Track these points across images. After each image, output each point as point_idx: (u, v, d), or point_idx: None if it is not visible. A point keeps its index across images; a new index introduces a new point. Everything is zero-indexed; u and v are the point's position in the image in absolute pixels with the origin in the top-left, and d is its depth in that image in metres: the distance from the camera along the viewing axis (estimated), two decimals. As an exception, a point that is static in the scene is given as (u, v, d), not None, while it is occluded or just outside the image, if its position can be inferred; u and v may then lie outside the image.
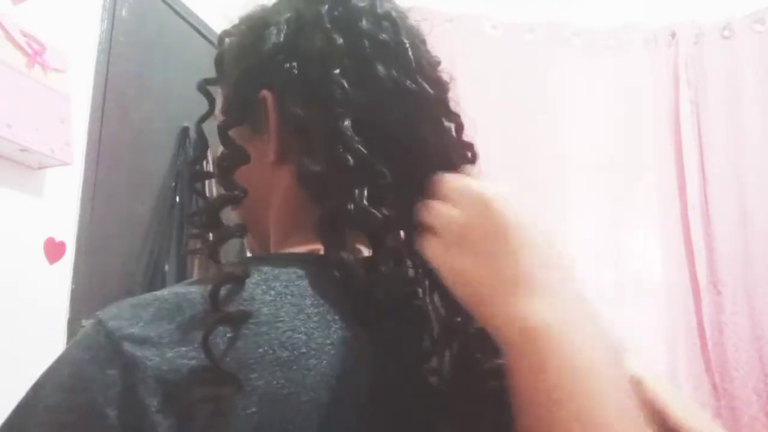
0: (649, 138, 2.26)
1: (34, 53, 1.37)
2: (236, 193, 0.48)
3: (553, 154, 2.27)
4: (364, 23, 0.51)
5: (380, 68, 0.49)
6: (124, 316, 0.40)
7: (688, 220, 2.15)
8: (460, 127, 0.54)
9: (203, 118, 0.54)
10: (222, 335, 0.40)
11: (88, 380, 0.38)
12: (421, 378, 0.43)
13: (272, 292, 0.43)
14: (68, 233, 1.52)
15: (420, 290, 0.46)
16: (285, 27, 0.51)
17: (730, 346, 2.04)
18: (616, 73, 2.33)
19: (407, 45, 0.51)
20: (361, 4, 0.52)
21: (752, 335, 2.03)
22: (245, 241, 0.59)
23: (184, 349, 0.39)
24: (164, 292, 0.43)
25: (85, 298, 1.54)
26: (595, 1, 2.39)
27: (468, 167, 0.49)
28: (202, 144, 0.56)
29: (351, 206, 0.45)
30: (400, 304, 0.44)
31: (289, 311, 0.42)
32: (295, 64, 0.50)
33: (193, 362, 0.39)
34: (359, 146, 0.46)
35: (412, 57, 0.51)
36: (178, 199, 1.87)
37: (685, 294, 2.13)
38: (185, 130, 1.91)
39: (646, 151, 2.26)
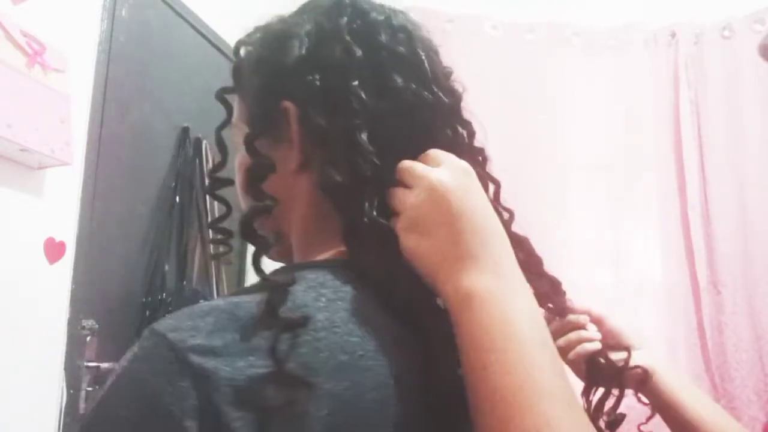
0: (649, 138, 2.26)
1: (34, 53, 1.37)
2: (267, 203, 0.50)
3: (553, 154, 2.27)
4: (382, 36, 0.53)
5: (398, 79, 0.52)
6: (183, 327, 0.41)
7: (688, 220, 2.15)
8: (471, 134, 0.57)
9: (222, 126, 0.56)
10: (285, 342, 0.41)
11: (158, 393, 0.38)
12: (449, 370, 0.45)
13: (323, 299, 0.45)
14: (68, 233, 1.52)
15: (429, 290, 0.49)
16: (306, 39, 0.53)
17: (730, 346, 2.04)
18: (616, 73, 2.33)
19: (423, 57, 0.54)
20: (379, 18, 0.54)
21: (752, 335, 2.04)
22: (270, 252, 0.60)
23: (251, 358, 0.40)
24: (219, 302, 0.43)
25: (85, 298, 1.54)
26: (595, 1, 2.40)
27: (431, 152, 0.51)
28: (223, 151, 0.57)
29: (365, 218, 0.48)
30: (430, 306, 0.47)
31: (342, 317, 0.44)
32: (317, 75, 0.51)
33: (263, 370, 0.40)
34: (374, 158, 0.49)
35: (428, 68, 0.54)
36: (178, 199, 1.87)
37: (685, 294, 2.13)
38: (185, 130, 1.92)
39: (646, 151, 2.26)
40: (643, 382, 0.74)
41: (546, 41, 2.37)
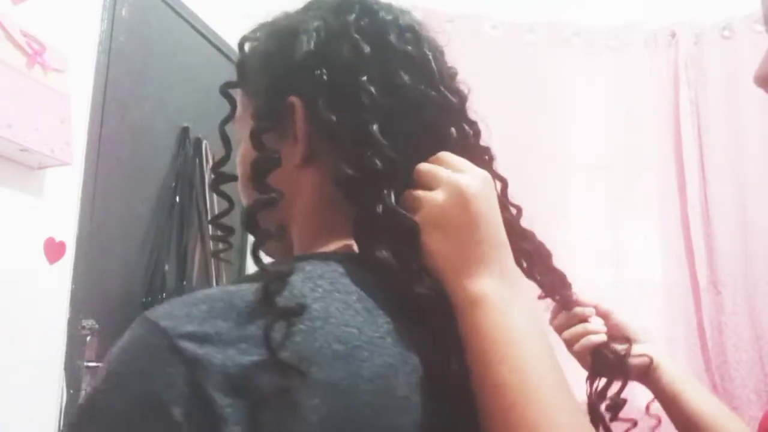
0: (649, 138, 2.26)
1: (34, 53, 1.37)
2: (272, 196, 0.50)
3: (553, 154, 2.27)
4: (391, 35, 0.53)
5: (406, 78, 0.52)
6: (176, 314, 0.41)
7: (688, 220, 2.15)
8: (477, 133, 0.58)
9: (225, 121, 0.57)
10: (279, 331, 0.41)
11: (149, 379, 0.39)
12: (463, 369, 0.46)
13: (320, 290, 0.45)
14: (68, 233, 1.52)
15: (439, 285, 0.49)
16: (315, 35, 0.53)
17: (730, 346, 2.04)
18: (616, 73, 2.33)
19: (430, 57, 0.55)
20: (387, 17, 0.55)
21: (752, 335, 2.04)
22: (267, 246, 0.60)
23: (244, 345, 0.40)
24: (214, 291, 0.44)
25: (85, 298, 1.54)
26: (595, 1, 2.40)
27: (447, 156, 0.52)
28: (227, 146, 0.57)
29: (380, 208, 0.49)
30: (435, 299, 0.47)
31: (339, 307, 0.44)
32: (324, 71, 0.52)
33: (255, 358, 0.39)
34: (388, 150, 0.49)
35: (435, 68, 0.54)
36: (178, 199, 1.87)
37: (685, 294, 2.13)
38: (185, 130, 1.91)
39: (646, 151, 2.26)
40: (646, 372, 0.75)
41: (546, 41, 2.36)
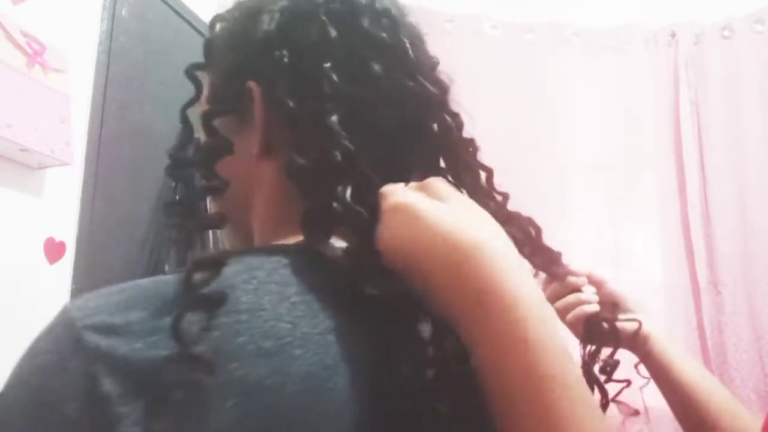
0: (649, 138, 2.26)
1: (34, 53, 1.37)
2: (217, 183, 0.47)
3: (553, 154, 2.27)
4: (363, 19, 0.50)
5: (377, 67, 0.49)
6: (89, 304, 0.39)
7: (688, 220, 2.15)
8: (460, 125, 0.54)
9: (189, 104, 0.53)
10: (197, 323, 0.37)
11: (49, 373, 0.36)
12: (414, 371, 0.42)
13: (254, 281, 0.41)
14: (68, 233, 1.52)
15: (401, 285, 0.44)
16: (278, 15, 0.50)
17: (730, 346, 2.04)
18: (616, 73, 2.33)
19: (407, 44, 0.51)
20: (362, 1, 0.51)
21: (752, 335, 2.03)
22: (223, 236, 0.58)
23: (154, 338, 0.37)
24: (142, 280, 0.41)
25: (85, 298, 1.54)
26: (595, 1, 2.39)
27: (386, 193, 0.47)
28: (186, 130, 0.54)
29: (335, 203, 0.44)
30: (384, 298, 0.43)
31: (272, 299, 0.40)
32: (285, 53, 0.48)
33: (165, 352, 0.36)
34: (346, 142, 0.45)
35: (412, 56, 0.51)
36: (178, 199, 1.87)
37: (685, 294, 2.13)
38: (181, 139, 1.91)
39: (646, 151, 2.26)
40: (636, 338, 0.76)
41: (546, 41, 2.36)
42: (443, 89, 0.53)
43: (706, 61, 2.24)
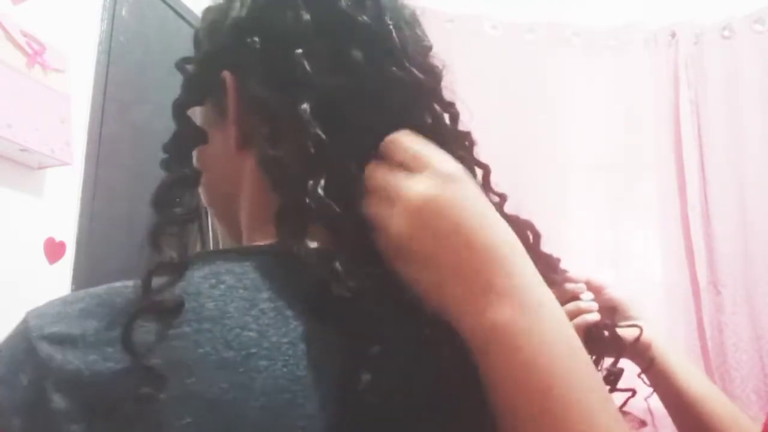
0: (649, 138, 2.26)
1: (34, 53, 1.37)
2: (187, 173, 0.44)
3: (553, 154, 2.27)
4: (343, 3, 0.46)
5: (356, 52, 0.45)
6: (49, 313, 0.37)
7: (688, 220, 2.15)
8: (454, 116, 0.50)
9: (180, 98, 0.51)
10: (154, 333, 0.35)
11: (1, 383, 0.35)
12: (390, 381, 0.38)
13: (222, 286, 0.38)
14: (68, 233, 1.52)
15: (377, 287, 0.41)
16: (249, 2, 0.47)
17: (730, 346, 2.04)
18: (616, 73, 2.33)
19: (391, 27, 0.47)
20: None
21: (752, 335, 2.03)
22: (220, 233, 0.56)
23: (110, 350, 0.35)
24: (100, 288, 0.39)
25: (85, 298, 1.54)
26: (595, 1, 2.39)
27: (400, 141, 0.43)
28: (178, 124, 0.51)
29: (307, 197, 0.41)
30: (356, 301, 0.39)
31: (240, 306, 0.37)
32: (256, 40, 0.46)
33: (120, 365, 0.34)
34: (318, 132, 0.42)
35: (397, 41, 0.46)
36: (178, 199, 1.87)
37: (685, 294, 2.13)
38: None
39: (646, 151, 2.26)
40: (637, 346, 0.74)
41: (546, 41, 2.36)
42: (434, 77, 0.50)
43: (706, 61, 2.24)
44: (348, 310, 0.39)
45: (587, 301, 0.75)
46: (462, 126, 0.51)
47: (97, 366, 0.34)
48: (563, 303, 0.75)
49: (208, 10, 0.53)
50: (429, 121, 0.48)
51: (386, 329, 0.39)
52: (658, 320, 2.13)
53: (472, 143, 0.52)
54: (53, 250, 1.47)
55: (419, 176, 0.41)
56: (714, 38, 2.25)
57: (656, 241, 2.21)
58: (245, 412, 0.35)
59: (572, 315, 0.74)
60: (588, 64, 2.35)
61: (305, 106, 0.42)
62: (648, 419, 0.75)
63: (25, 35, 1.36)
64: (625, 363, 0.74)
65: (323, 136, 0.42)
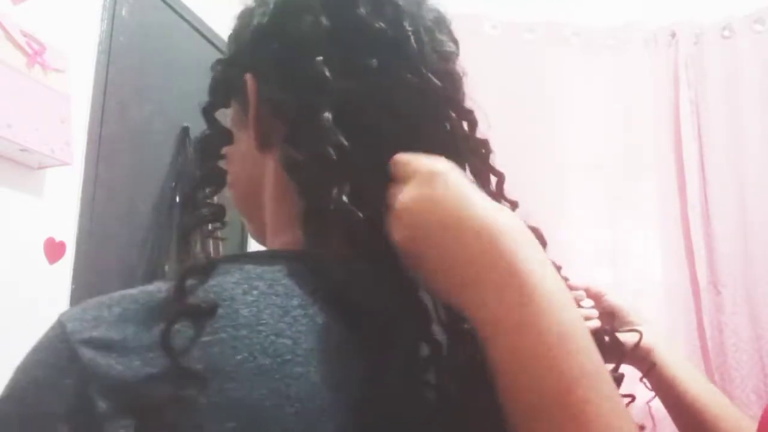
0: (649, 138, 2.26)
1: (34, 53, 1.37)
2: (215, 174, 0.46)
3: (552, 153, 2.27)
4: (361, 9, 0.46)
5: (372, 58, 0.45)
6: (85, 317, 0.37)
7: (688, 220, 2.15)
8: (473, 124, 0.51)
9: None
10: (194, 339, 0.36)
11: (42, 390, 0.35)
12: (414, 387, 0.39)
13: (255, 292, 0.39)
14: (68, 233, 1.52)
15: (403, 293, 0.42)
16: (271, 7, 0.49)
17: (730, 346, 2.04)
18: (616, 73, 2.33)
19: (410, 34, 0.47)
20: None
21: (752, 335, 2.03)
22: (248, 229, 0.57)
23: (150, 355, 0.35)
24: (134, 291, 0.39)
25: (85, 298, 1.53)
26: (595, 0, 2.39)
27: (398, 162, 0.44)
28: (209, 124, 0.53)
29: (331, 203, 0.42)
30: (380, 307, 0.40)
31: (273, 313, 0.38)
32: (276, 46, 0.47)
33: (161, 370, 0.35)
34: (341, 139, 0.43)
35: (415, 47, 0.47)
36: (178, 199, 1.87)
37: (685, 294, 2.13)
38: (185, 130, 1.91)
39: (646, 151, 2.26)
40: (638, 351, 0.74)
41: (545, 41, 2.36)
42: (453, 83, 0.50)
43: (706, 61, 2.24)
44: (373, 316, 0.39)
45: (587, 307, 0.75)
46: (479, 133, 0.51)
47: (139, 371, 0.35)
48: None
49: (240, 14, 0.54)
50: (446, 127, 0.48)
51: (409, 334, 0.40)
52: (658, 320, 2.13)
53: (488, 151, 0.52)
54: (53, 250, 1.47)
55: (407, 185, 0.42)
56: (714, 38, 2.25)
57: (656, 241, 2.21)
58: (281, 419, 0.35)
59: None
60: (587, 63, 2.36)
61: (327, 114, 0.43)
62: (648, 423, 0.75)
63: (25, 35, 1.36)
64: (625, 368, 0.74)
65: (345, 143, 0.43)
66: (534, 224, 0.55)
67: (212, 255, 0.41)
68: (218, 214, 0.46)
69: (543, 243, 0.54)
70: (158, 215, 1.83)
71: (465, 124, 0.50)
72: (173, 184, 1.88)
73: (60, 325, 0.37)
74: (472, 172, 0.50)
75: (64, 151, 1.42)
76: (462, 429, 0.39)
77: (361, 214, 0.42)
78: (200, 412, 0.34)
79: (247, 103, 0.49)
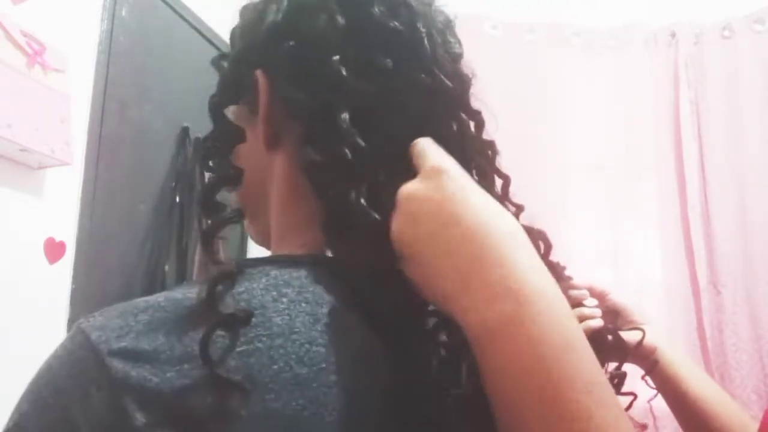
0: (649, 138, 2.26)
1: (34, 53, 1.37)
2: (233, 173, 0.45)
3: (553, 154, 2.27)
4: (376, 9, 0.46)
5: (387, 59, 0.45)
6: (111, 326, 0.36)
7: (688, 220, 2.15)
8: (480, 125, 0.51)
9: (216, 93, 0.51)
10: (229, 348, 0.35)
11: (69, 402, 0.34)
12: (439, 390, 0.39)
13: (284, 300, 0.38)
14: (68, 233, 1.52)
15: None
16: (285, 4, 0.48)
17: (730, 346, 2.04)
18: (616, 73, 2.33)
19: (423, 35, 0.47)
20: None
21: (752, 335, 2.04)
22: (246, 229, 0.56)
23: (186, 366, 0.34)
24: (158, 298, 0.38)
25: (85, 298, 1.54)
26: (595, 1, 2.39)
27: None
28: (215, 121, 0.51)
29: (349, 205, 0.42)
30: (404, 312, 0.40)
31: (305, 321, 0.38)
32: (292, 44, 0.46)
33: (198, 381, 0.34)
34: (359, 140, 0.42)
35: (428, 48, 0.47)
36: (178, 199, 1.87)
37: (685, 294, 2.13)
38: (185, 130, 1.91)
39: (646, 151, 2.26)
40: (642, 350, 0.74)
41: (546, 41, 2.36)
42: (463, 84, 0.50)
43: (706, 61, 2.24)
44: (395, 320, 0.40)
45: (591, 307, 0.75)
46: (486, 135, 0.52)
47: (175, 382, 0.34)
48: None
49: (244, 9, 0.53)
50: (454, 128, 0.48)
51: (429, 337, 0.40)
52: (658, 320, 2.13)
53: (495, 152, 0.52)
54: (53, 250, 1.47)
55: (416, 179, 0.41)
56: (714, 38, 2.25)
57: (656, 241, 2.21)
58: (321, 428, 0.35)
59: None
60: (588, 64, 2.36)
61: (345, 115, 0.43)
62: (649, 421, 0.75)
63: (25, 35, 1.36)
64: (627, 366, 0.74)
65: (363, 144, 0.42)
66: (536, 225, 0.55)
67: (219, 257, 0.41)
68: (239, 214, 0.45)
69: (548, 245, 0.55)
70: (158, 215, 1.83)
71: (472, 125, 0.50)
72: (173, 184, 1.88)
73: (82, 335, 0.36)
74: (477, 173, 0.50)
75: (64, 151, 1.42)
76: (483, 428, 0.39)
77: (378, 216, 0.41)
78: (241, 424, 0.34)
79: (257, 100, 0.48)
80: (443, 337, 0.41)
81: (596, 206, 2.28)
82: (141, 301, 0.38)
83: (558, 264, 0.62)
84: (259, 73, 0.48)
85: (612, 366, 0.72)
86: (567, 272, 0.68)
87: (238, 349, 0.35)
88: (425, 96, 0.46)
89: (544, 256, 0.54)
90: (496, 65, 2.29)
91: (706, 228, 2.14)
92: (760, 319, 2.03)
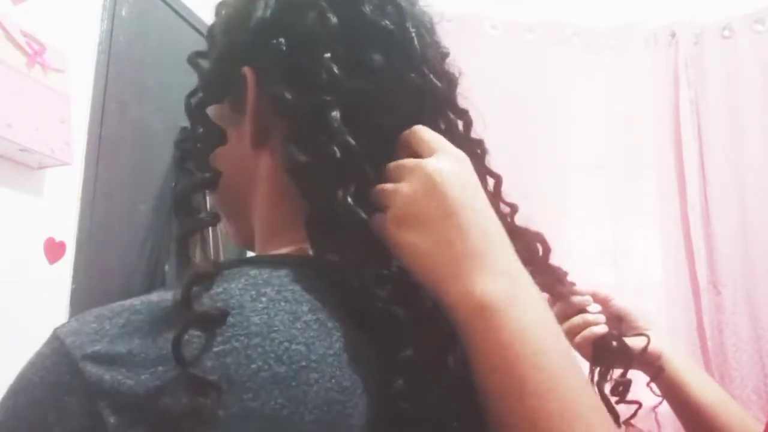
0: (649, 138, 2.26)
1: (34, 53, 1.37)
2: (211, 176, 0.44)
3: (553, 153, 2.27)
4: (366, 7, 0.46)
5: (378, 57, 0.45)
6: (85, 330, 0.35)
7: (688, 220, 2.15)
8: (467, 124, 0.51)
9: (193, 93, 0.49)
10: (205, 348, 0.34)
11: (45, 411, 0.33)
12: (427, 388, 0.39)
13: (263, 299, 0.38)
14: (68, 233, 1.52)
15: (405, 295, 0.42)
16: (273, 1, 0.47)
17: (730, 346, 2.04)
18: (616, 73, 2.33)
19: (413, 34, 0.47)
20: None
21: (752, 335, 2.03)
22: (225, 232, 0.55)
23: (161, 368, 0.34)
24: (134, 302, 0.37)
25: (85, 298, 1.54)
26: (595, 0, 2.39)
27: (420, 132, 0.46)
28: (191, 120, 0.49)
29: (337, 206, 0.42)
30: (390, 310, 0.40)
31: (284, 319, 0.37)
32: (282, 41, 0.45)
33: (172, 383, 0.33)
34: (349, 139, 0.42)
35: (417, 47, 0.47)
36: (174, 196, 1.87)
37: (685, 294, 2.13)
38: (185, 130, 1.91)
39: (646, 151, 2.26)
40: (647, 356, 0.74)
41: (546, 41, 2.36)
42: (451, 84, 0.50)
43: (706, 61, 2.24)
44: (379, 319, 0.39)
45: (594, 313, 0.75)
46: (474, 134, 0.52)
47: (150, 384, 0.33)
48: (570, 316, 0.74)
49: (222, 5, 0.52)
50: (442, 127, 0.49)
51: (415, 336, 0.40)
52: (658, 320, 2.13)
53: (484, 151, 0.53)
54: (53, 250, 1.47)
55: (433, 156, 0.43)
56: (714, 38, 2.25)
57: (656, 240, 2.21)
58: (301, 427, 0.35)
59: (580, 327, 0.73)
60: (588, 63, 2.36)
61: (335, 113, 0.43)
62: (654, 428, 0.75)
63: (25, 35, 1.36)
64: (632, 373, 0.74)
65: (353, 143, 0.42)
66: (536, 225, 0.55)
67: (214, 258, 0.41)
68: (216, 218, 0.44)
69: (546, 248, 0.55)
70: (158, 215, 1.83)
71: (460, 124, 0.51)
72: (173, 184, 1.88)
73: (57, 340, 0.35)
74: None
75: (64, 151, 1.42)
76: (472, 427, 0.40)
77: (365, 216, 0.42)
78: (218, 424, 0.33)
79: (241, 98, 0.47)
80: (430, 335, 0.41)
81: (596, 206, 2.28)
82: (117, 305, 0.37)
83: (559, 268, 0.62)
84: (246, 70, 0.47)
85: (617, 373, 0.72)
86: (568, 276, 0.68)
87: (214, 349, 0.35)
88: (415, 95, 0.47)
89: (543, 259, 0.55)
90: (496, 65, 2.29)
91: (706, 228, 2.14)
92: (760, 319, 2.02)
